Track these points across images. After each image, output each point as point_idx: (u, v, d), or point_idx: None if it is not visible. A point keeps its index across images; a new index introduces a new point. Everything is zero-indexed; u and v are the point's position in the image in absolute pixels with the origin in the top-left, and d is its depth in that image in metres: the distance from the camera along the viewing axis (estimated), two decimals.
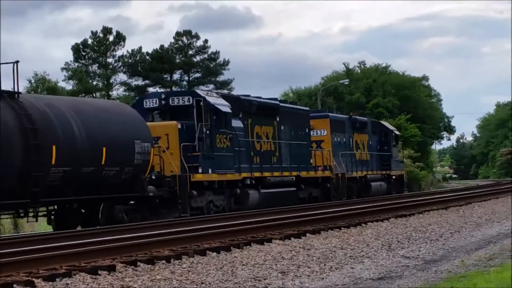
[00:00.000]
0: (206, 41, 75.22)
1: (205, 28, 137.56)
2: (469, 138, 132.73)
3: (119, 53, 71.58)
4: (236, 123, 27.19)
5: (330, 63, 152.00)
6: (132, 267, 11.11)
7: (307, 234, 16.53)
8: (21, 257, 11.00)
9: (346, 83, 70.60)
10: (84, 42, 70.54)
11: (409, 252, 14.47)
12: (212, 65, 74.36)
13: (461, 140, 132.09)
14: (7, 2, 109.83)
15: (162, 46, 73.65)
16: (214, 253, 13.02)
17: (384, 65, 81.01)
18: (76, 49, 70.14)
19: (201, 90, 28.20)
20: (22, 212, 20.14)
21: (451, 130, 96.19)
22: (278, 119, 30.55)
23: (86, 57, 70.89)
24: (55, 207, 21.39)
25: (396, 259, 13.44)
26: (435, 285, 10.10)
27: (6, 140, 17.57)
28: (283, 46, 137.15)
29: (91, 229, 18.56)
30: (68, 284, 9.60)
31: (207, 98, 25.51)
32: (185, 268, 11.36)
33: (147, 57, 72.24)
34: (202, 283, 9.98)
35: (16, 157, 17.86)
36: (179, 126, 24.51)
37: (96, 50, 70.70)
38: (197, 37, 74.93)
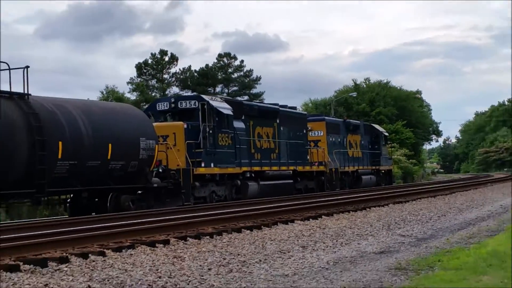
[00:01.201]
0: (242, 61, 74.18)
1: (242, 51, 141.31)
2: (453, 140, 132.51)
3: (172, 70, 71.26)
4: (238, 124, 24.76)
5: (341, 79, 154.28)
6: (183, 241, 11.27)
7: (323, 216, 16.33)
8: (94, 233, 11.20)
9: (355, 95, 68.97)
10: (146, 62, 70.04)
11: (405, 232, 14.41)
12: (246, 81, 73.41)
13: (446, 142, 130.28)
14: (87, 28, 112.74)
15: (207, 65, 72.86)
16: (248, 231, 13.06)
17: (385, 81, 79.56)
18: (139, 67, 69.71)
19: (206, 95, 25.63)
20: (38, 200, 18.23)
21: (438, 133, 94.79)
22: (278, 121, 28.04)
23: (147, 73, 70.25)
24: (71, 196, 19.43)
25: (394, 237, 13.51)
26: (426, 258, 10.24)
27: (13, 137, 15.80)
28: (304, 65, 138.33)
29: (149, 211, 18.19)
30: (132, 254, 9.81)
31: (211, 102, 23.31)
32: (225, 242, 11.53)
33: (195, 74, 71.47)
34: (238, 254, 10.22)
35: (23, 151, 16.01)
36: (185, 126, 22.24)
37: (154, 68, 70.18)
38: (235, 58, 74.31)
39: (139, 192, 20.13)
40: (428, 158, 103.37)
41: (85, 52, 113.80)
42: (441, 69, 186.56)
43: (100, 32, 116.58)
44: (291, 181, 27.90)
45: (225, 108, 23.60)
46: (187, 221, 13.46)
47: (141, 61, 69.44)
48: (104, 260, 9.16)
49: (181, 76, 69.39)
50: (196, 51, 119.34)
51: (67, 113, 17.64)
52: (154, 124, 21.86)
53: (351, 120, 39.71)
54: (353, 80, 78.29)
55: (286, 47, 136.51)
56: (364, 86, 75.91)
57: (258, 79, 72.28)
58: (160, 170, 20.94)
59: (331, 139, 32.92)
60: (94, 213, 19.09)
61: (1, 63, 16.74)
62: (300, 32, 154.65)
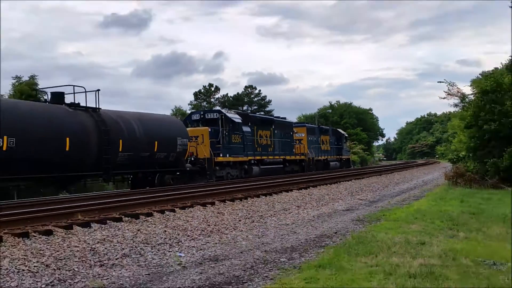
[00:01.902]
0: (260, 90, 75.17)
1: (260, 84, 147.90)
2: (392, 139, 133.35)
3: (216, 96, 72.15)
4: (246, 129, 24.69)
5: (322, 101, 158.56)
6: (223, 202, 11.49)
7: (310, 187, 16.63)
8: (168, 197, 11.66)
9: (330, 111, 71.19)
10: (200, 91, 71.08)
11: (362, 197, 15.08)
12: (263, 102, 73.88)
13: (388, 140, 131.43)
14: (163, 70, 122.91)
15: (238, 93, 73.99)
16: (264, 196, 13.34)
17: (349, 102, 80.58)
18: (195, 94, 71.00)
19: (224, 109, 25.70)
20: (105, 179, 18.07)
21: (383, 135, 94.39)
22: (273, 126, 27.93)
23: (200, 98, 70.85)
24: (131, 176, 19.10)
25: (355, 200, 14.09)
26: (375, 214, 10.77)
27: (87, 137, 15.84)
28: (298, 93, 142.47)
29: (202, 184, 18.59)
30: (191, 211, 10.12)
31: (227, 114, 23.39)
32: (249, 203, 11.84)
33: (231, 98, 72.27)
34: (257, 211, 10.77)
35: (94, 147, 15.95)
36: (210, 130, 22.19)
37: (205, 95, 70.85)
38: (255, 88, 75.28)
39: (177, 173, 19.89)
40: (376, 151, 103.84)
41: (162, 85, 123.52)
42: (385, 95, 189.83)
43: (171, 73, 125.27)
44: (282, 166, 27.86)
45: (236, 118, 23.75)
46: (226, 190, 13.91)
47: (196, 90, 71.67)
48: (174, 214, 9.62)
49: (222, 100, 70.82)
50: (231, 84, 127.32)
51: (126, 121, 17.59)
52: (189, 128, 21.82)
53: (323, 126, 39.57)
54: (329, 102, 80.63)
55: (287, 81, 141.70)
56: (336, 106, 77.17)
57: (269, 101, 73.88)
58: (192, 158, 20.93)
59: (309, 138, 32.86)
60: (147, 187, 18.76)
61: (79, 87, 16.76)
62: (296, 72, 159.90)
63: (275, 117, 30.26)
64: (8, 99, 17.59)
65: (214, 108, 57.09)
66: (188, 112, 59.40)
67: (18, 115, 13.60)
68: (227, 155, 22.58)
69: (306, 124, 35.74)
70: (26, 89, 21.70)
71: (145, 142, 17.88)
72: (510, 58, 21.25)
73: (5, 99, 15.90)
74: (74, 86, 16.77)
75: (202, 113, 24.05)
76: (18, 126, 13.22)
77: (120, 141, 16.71)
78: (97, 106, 16.87)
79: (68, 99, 16.56)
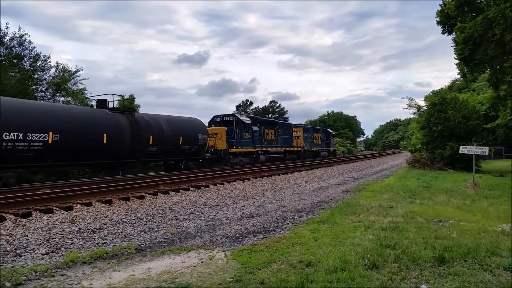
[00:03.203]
0: (280, 104, 78.37)
1: (280, 99, 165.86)
2: (370, 137, 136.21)
3: (251, 107, 74.81)
4: (255, 128, 25.29)
5: (322, 111, 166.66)
6: (255, 179, 12.33)
7: (313, 169, 17.52)
8: (219, 175, 12.40)
9: (327, 118, 75.51)
10: (239, 104, 74.60)
11: (348, 175, 15.68)
12: (281, 112, 76.08)
13: (367, 137, 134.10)
14: (216, 91, 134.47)
15: (265, 106, 76.92)
16: (282, 175, 14.04)
17: (341, 111, 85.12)
18: (237, 106, 73.62)
19: (237, 114, 25.98)
20: (138, 166, 17.46)
21: (363, 134, 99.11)
22: (276, 126, 28.57)
23: (240, 109, 73.52)
24: (163, 163, 18.92)
25: (344, 178, 14.52)
26: (358, 187, 11.09)
27: (123, 133, 15.84)
28: (305, 106, 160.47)
29: (243, 166, 19.04)
30: (234, 184, 10.60)
31: (239, 117, 24.08)
32: (273, 179, 12.54)
33: (260, 109, 74.73)
34: (278, 184, 11.30)
35: (128, 140, 16.00)
36: (226, 129, 22.82)
37: (243, 107, 73.64)
38: (277, 102, 78.81)
39: (200, 160, 19.97)
40: (359, 144, 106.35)
41: (215, 101, 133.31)
42: (365, 106, 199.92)
43: (221, 92, 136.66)
44: (283, 155, 28.46)
45: (247, 120, 24.40)
46: (257, 170, 14.67)
47: (238, 104, 75.26)
48: (223, 186, 10.60)
49: (254, 110, 73.56)
50: (261, 100, 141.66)
51: (156, 121, 17.48)
52: (211, 127, 22.36)
53: (315, 126, 40.45)
54: (327, 111, 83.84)
55: (298, 98, 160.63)
56: (331, 114, 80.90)
57: (286, 111, 76.31)
58: (212, 149, 21.40)
59: (305, 135, 33.64)
60: (178, 171, 18.53)
61: (118, 96, 17.32)
62: (304, 91, 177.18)
63: (279, 119, 31.00)
64: (62, 104, 17.76)
65: (231, 113, 57.19)
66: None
67: (61, 116, 13.51)
68: (239, 147, 23.07)
69: (303, 125, 36.56)
70: (127, 104, 23.81)
71: (172, 137, 17.81)
72: (450, 81, 25.21)
73: (55, 105, 15.46)
74: (113, 94, 17.35)
75: (221, 116, 24.10)
76: (61, 125, 13.28)
77: (151, 136, 16.66)
78: (133, 110, 17.08)
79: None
